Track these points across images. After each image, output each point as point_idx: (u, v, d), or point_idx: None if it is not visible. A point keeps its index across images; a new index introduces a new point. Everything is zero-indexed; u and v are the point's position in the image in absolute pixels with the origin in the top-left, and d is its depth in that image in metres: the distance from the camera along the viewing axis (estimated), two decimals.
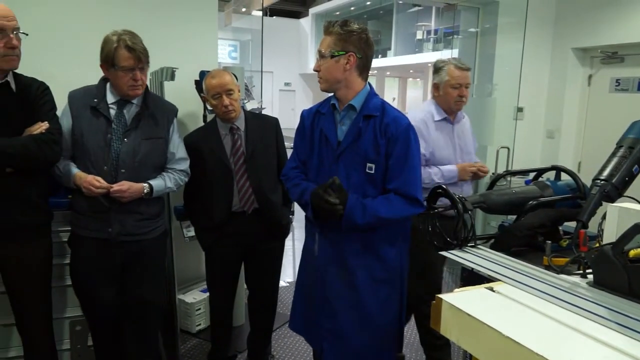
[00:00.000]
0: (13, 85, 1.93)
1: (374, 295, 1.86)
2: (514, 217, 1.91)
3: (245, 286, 2.82)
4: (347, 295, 1.87)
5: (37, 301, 2.10)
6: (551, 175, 2.05)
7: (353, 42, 1.77)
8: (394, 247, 1.88)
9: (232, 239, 2.44)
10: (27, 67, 2.04)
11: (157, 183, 2.18)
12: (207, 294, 3.00)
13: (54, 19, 2.83)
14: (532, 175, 2.16)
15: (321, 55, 1.81)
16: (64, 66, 2.64)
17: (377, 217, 1.77)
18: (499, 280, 1.42)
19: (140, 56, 2.03)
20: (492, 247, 1.78)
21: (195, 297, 3.20)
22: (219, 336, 2.69)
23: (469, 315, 1.18)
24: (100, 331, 2.25)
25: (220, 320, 2.66)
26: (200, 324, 3.21)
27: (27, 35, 1.91)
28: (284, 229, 2.60)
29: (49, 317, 2.18)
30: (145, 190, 2.13)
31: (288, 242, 2.72)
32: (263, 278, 2.62)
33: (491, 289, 1.36)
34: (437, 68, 2.58)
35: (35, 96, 1.98)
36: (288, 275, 4.35)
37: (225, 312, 2.65)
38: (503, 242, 1.82)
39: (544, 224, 1.82)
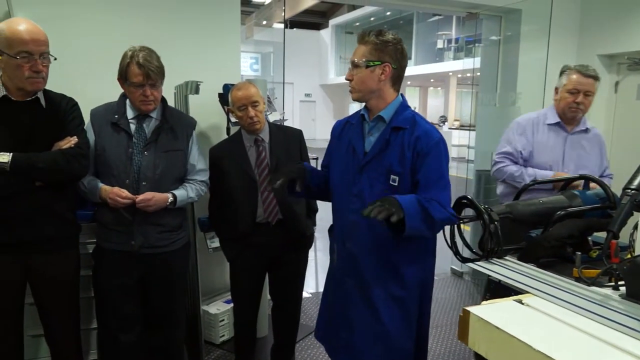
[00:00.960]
0: (43, 101, 1.99)
1: (390, 312, 1.81)
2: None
3: (268, 297, 2.83)
4: (363, 309, 1.83)
5: (64, 313, 2.13)
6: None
7: (389, 52, 1.76)
8: (413, 264, 1.82)
9: (256, 250, 2.46)
10: (56, 84, 2.10)
11: (180, 193, 2.22)
12: (231, 305, 3.01)
13: (82, 38, 2.93)
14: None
15: (355, 65, 1.78)
16: (91, 83, 2.71)
17: (432, 218, 1.65)
18: (528, 292, 1.40)
19: (150, 73, 2.05)
20: (519, 259, 1.75)
21: (219, 308, 3.21)
22: (243, 347, 2.69)
23: (498, 328, 1.16)
24: (124, 343, 2.26)
25: (244, 331, 2.66)
26: (224, 335, 3.22)
27: (55, 59, 1.96)
28: (308, 240, 2.60)
29: (77, 328, 2.21)
30: (169, 200, 2.17)
31: (310, 253, 2.72)
32: (287, 289, 2.62)
33: (520, 302, 1.33)
34: (561, 72, 2.54)
35: (64, 112, 2.03)
36: (310, 286, 4.34)
37: (249, 323, 2.65)
38: (530, 253, 1.78)
39: (573, 235, 1.77)
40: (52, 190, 1.98)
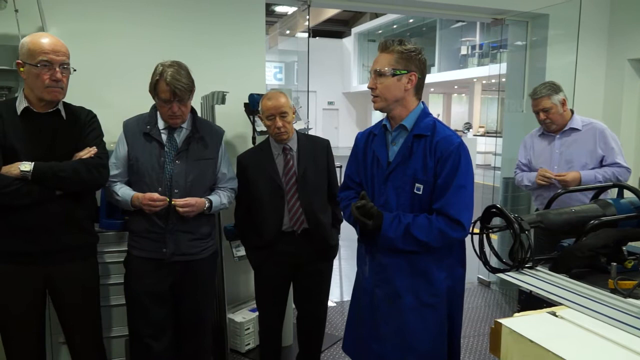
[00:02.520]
0: (63, 113, 2.05)
1: (420, 320, 1.80)
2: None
3: (293, 306, 2.83)
4: (393, 319, 1.83)
5: (85, 320, 2.16)
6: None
7: (414, 61, 1.77)
8: (443, 270, 1.82)
9: (282, 258, 2.46)
10: (88, 96, 2.16)
11: (215, 199, 2.27)
12: (256, 313, 3.02)
13: (113, 51, 3.01)
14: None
15: (379, 74, 1.78)
16: (122, 95, 2.78)
17: (415, 238, 1.73)
18: (562, 304, 1.36)
19: (177, 91, 2.08)
20: (551, 269, 1.71)
21: (245, 316, 3.22)
22: (268, 356, 2.69)
23: (531, 341, 1.13)
24: (155, 350, 2.28)
25: (270, 340, 2.66)
26: (249, 344, 3.23)
27: (75, 70, 2.02)
28: (333, 250, 2.59)
29: (99, 335, 2.24)
30: (206, 205, 2.21)
31: (335, 262, 2.71)
32: (312, 298, 2.62)
33: (554, 314, 1.30)
34: None
35: (83, 123, 2.09)
36: (335, 295, 4.32)
37: (274, 331, 2.65)
38: (563, 264, 1.73)
39: (607, 245, 1.72)
40: (72, 200, 2.02)
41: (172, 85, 2.07)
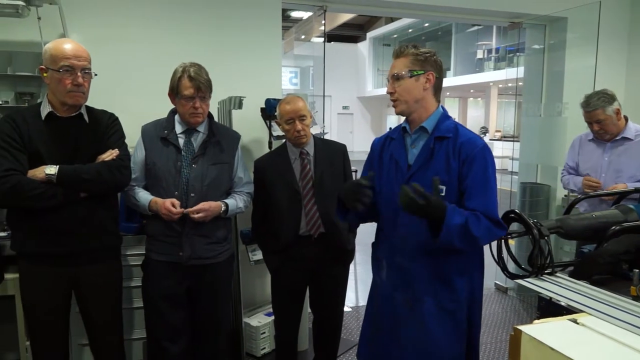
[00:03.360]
0: (86, 117, 2.08)
1: (440, 326, 1.77)
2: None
3: (309, 311, 2.82)
4: (413, 324, 1.80)
5: (108, 322, 2.19)
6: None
7: (430, 62, 1.78)
8: (463, 275, 1.79)
9: (298, 263, 2.46)
10: (107, 100, 2.20)
11: (231, 202, 2.29)
12: (272, 317, 3.02)
13: (132, 57, 3.05)
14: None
15: (397, 77, 1.78)
16: (141, 99, 2.82)
17: (470, 233, 1.64)
18: (583, 311, 1.34)
19: (200, 86, 2.15)
20: (571, 275, 1.68)
21: (260, 320, 3.23)
22: None
23: (552, 349, 1.11)
24: (172, 353, 2.29)
25: (285, 344, 2.66)
26: (265, 348, 3.23)
27: (96, 75, 2.06)
28: (349, 254, 2.58)
29: (121, 337, 2.27)
30: (222, 209, 2.22)
31: (350, 267, 2.70)
32: (327, 303, 2.61)
33: (574, 321, 1.28)
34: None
35: (105, 126, 2.12)
36: (351, 300, 4.31)
37: (290, 336, 2.65)
38: (583, 270, 1.71)
39: (629, 251, 1.69)
40: (96, 202, 2.05)
41: (196, 79, 2.14)
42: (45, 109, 2.01)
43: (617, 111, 2.83)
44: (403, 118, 1.89)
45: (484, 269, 1.87)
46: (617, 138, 2.88)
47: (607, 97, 2.81)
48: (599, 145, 2.97)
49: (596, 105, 2.82)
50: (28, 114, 2.01)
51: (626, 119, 2.91)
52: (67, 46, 1.97)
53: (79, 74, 1.97)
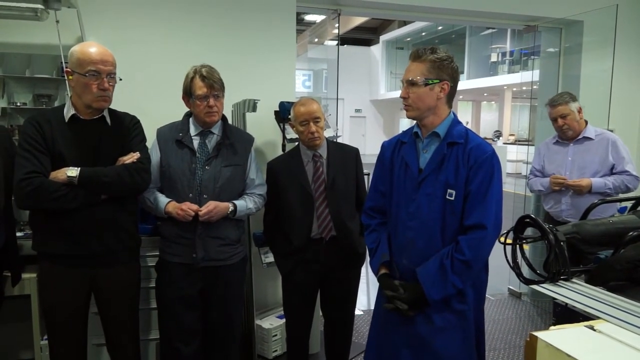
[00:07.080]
0: (108, 119, 2.11)
1: (450, 327, 1.79)
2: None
3: (321, 314, 2.82)
4: (424, 326, 1.81)
5: (125, 323, 2.21)
6: None
7: (446, 70, 1.77)
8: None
9: (310, 266, 2.46)
10: (125, 103, 2.22)
11: (240, 203, 2.29)
12: (284, 320, 3.02)
13: (148, 60, 3.09)
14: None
15: (411, 83, 1.78)
16: (157, 102, 2.85)
17: (453, 285, 1.74)
18: (600, 318, 1.32)
19: (213, 84, 2.18)
20: (587, 281, 1.66)
21: (272, 323, 3.23)
22: None
23: (569, 356, 1.09)
24: (185, 355, 2.31)
25: (297, 347, 2.66)
26: (276, 350, 3.23)
27: (120, 79, 2.08)
28: (360, 257, 2.58)
29: (137, 338, 2.28)
30: (230, 209, 2.23)
31: (362, 270, 2.69)
32: (339, 306, 2.61)
33: (592, 328, 1.26)
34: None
35: (127, 129, 2.15)
36: (362, 303, 4.29)
37: (301, 339, 2.65)
38: (600, 276, 1.68)
39: None
40: (116, 204, 2.07)
41: (208, 78, 2.17)
42: (69, 112, 2.03)
43: (579, 109, 3.13)
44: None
45: (488, 270, 1.90)
46: (579, 138, 3.15)
47: (570, 96, 3.15)
48: (563, 146, 3.23)
49: (561, 100, 3.12)
50: (52, 116, 2.04)
51: (586, 122, 3.19)
52: (94, 50, 1.99)
53: (105, 78, 1.99)
